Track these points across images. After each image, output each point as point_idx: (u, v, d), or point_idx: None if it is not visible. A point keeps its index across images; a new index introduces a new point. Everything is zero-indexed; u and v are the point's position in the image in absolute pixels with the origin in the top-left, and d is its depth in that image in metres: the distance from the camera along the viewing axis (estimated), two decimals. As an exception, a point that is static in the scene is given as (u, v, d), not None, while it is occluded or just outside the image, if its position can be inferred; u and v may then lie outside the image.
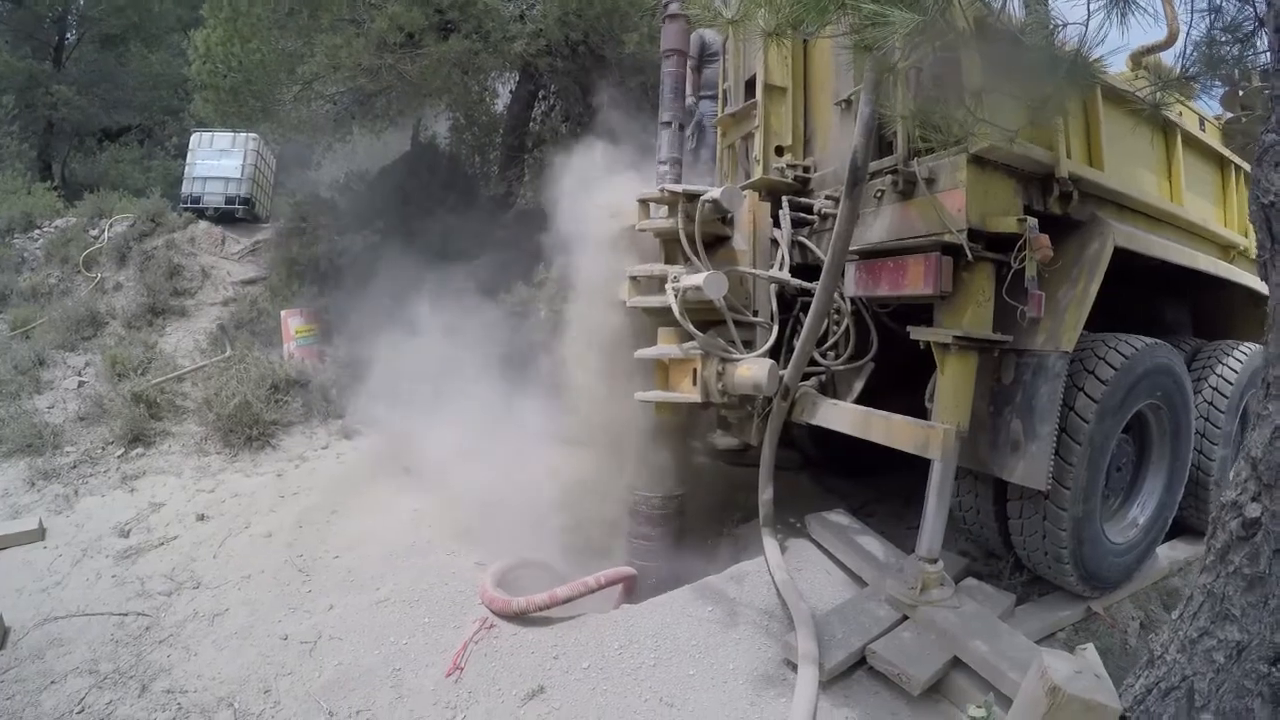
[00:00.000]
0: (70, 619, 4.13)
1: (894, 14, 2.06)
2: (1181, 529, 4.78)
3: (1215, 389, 4.65)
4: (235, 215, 11.14)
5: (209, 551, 4.87)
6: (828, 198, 4.23)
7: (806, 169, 4.50)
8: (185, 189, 11.11)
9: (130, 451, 6.39)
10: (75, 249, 10.02)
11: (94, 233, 10.47)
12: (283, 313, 8.43)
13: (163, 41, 17.86)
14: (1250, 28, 2.51)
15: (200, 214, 11.02)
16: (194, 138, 11.44)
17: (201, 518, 5.31)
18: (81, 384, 7.53)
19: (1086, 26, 2.19)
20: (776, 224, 4.31)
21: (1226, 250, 5.01)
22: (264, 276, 9.94)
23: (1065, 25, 2.27)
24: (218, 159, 11.03)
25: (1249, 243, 5.08)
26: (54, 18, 17.48)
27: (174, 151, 17.28)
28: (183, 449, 6.48)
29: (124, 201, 11.39)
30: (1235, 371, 4.70)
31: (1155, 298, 5.16)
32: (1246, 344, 4.93)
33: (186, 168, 11.24)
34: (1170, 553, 4.63)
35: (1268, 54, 2.54)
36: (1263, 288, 4.79)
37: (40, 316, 8.60)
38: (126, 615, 4.19)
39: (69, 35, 18.21)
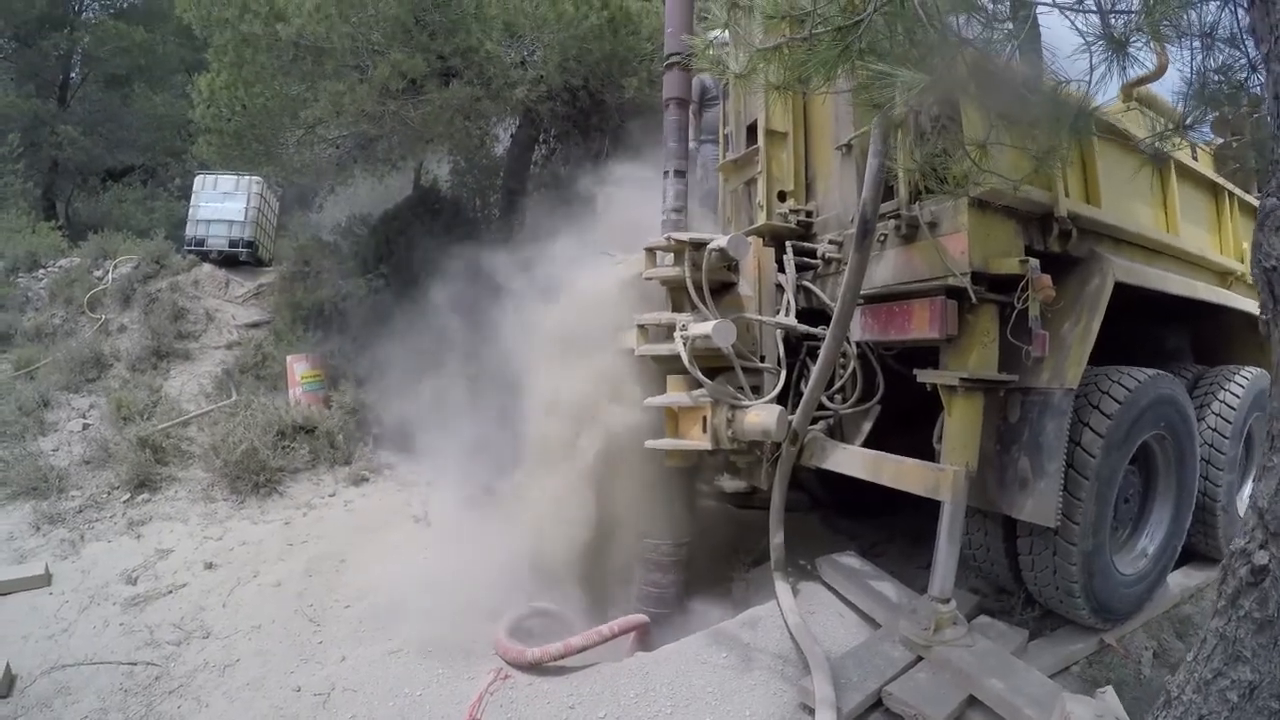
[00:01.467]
0: (78, 667, 4.12)
1: (902, 73, 2.12)
2: (1191, 555, 4.78)
3: (1219, 415, 4.68)
4: (239, 258, 11.21)
5: (218, 600, 4.86)
6: (831, 242, 4.29)
7: (809, 214, 4.57)
8: (189, 231, 11.18)
9: (136, 497, 6.39)
10: (79, 289, 10.06)
11: (98, 273, 10.51)
12: (288, 358, 8.45)
13: (167, 82, 18.07)
14: (1243, 73, 2.58)
15: (204, 256, 11.07)
16: (197, 180, 11.53)
17: (210, 566, 5.30)
18: (86, 426, 7.53)
19: (1090, 81, 2.25)
20: (781, 269, 4.36)
21: (1224, 277, 5.06)
22: (268, 320, 9.98)
23: (1069, 82, 2.33)
24: (221, 201, 11.11)
25: (1245, 268, 5.13)
26: (59, 57, 17.69)
27: (177, 193, 17.38)
28: (189, 495, 6.48)
29: (128, 243, 11.44)
30: (1237, 397, 4.73)
31: (1155, 326, 5.20)
32: (1248, 369, 4.96)
33: (190, 210, 11.31)
34: (1181, 580, 4.63)
35: (1260, 87, 2.62)
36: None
37: (44, 357, 8.60)
38: (135, 664, 4.17)
39: (74, 75, 18.42)
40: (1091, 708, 2.97)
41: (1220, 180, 5.10)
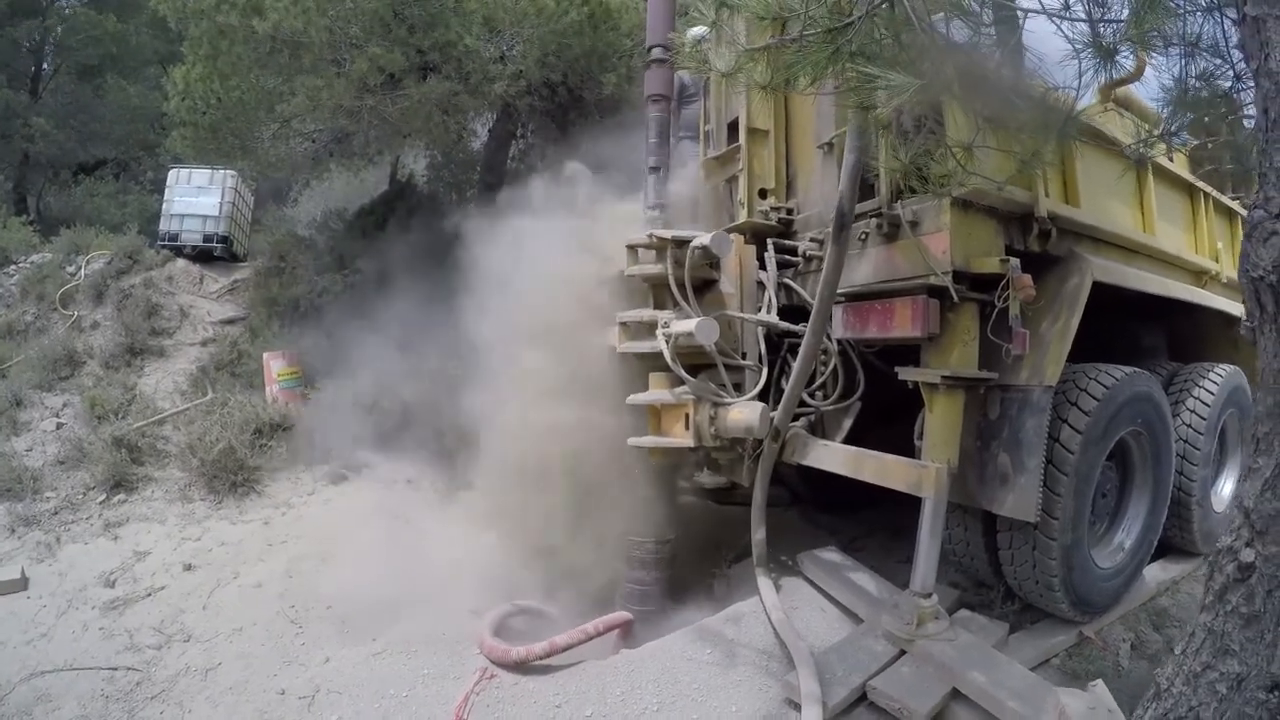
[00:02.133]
0: (58, 673, 4.04)
1: (892, 77, 2.13)
2: (1167, 549, 4.86)
3: (1193, 411, 4.77)
4: (213, 253, 11.05)
5: (198, 602, 4.79)
6: (812, 240, 4.31)
7: (790, 211, 4.59)
8: (163, 226, 10.99)
9: (112, 497, 6.28)
10: (51, 286, 9.83)
11: (70, 269, 10.30)
12: (265, 355, 8.31)
13: (140, 74, 17.75)
14: (1226, 81, 2.63)
15: (178, 252, 10.88)
16: (171, 174, 11.33)
17: (189, 567, 5.21)
18: (60, 426, 7.39)
19: (1079, 91, 2.28)
20: (762, 266, 4.38)
21: (1199, 276, 5.14)
22: (243, 316, 9.83)
23: (1057, 89, 2.37)
24: (195, 196, 10.93)
25: (1220, 267, 5.23)
26: (31, 47, 17.34)
27: (150, 186, 17.13)
28: (166, 495, 6.36)
29: (101, 238, 11.22)
30: (1211, 393, 4.82)
31: (1131, 323, 5.28)
32: (1221, 366, 5.06)
33: (164, 205, 11.11)
34: (1158, 573, 4.72)
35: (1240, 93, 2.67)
36: (1234, 309, 4.95)
37: (16, 355, 8.43)
38: (116, 670, 4.10)
39: (45, 65, 18.06)
40: (1084, 700, 3.04)
41: (1196, 181, 5.19)
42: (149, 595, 4.89)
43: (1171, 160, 4.98)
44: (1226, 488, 5.28)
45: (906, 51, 2.16)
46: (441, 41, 7.10)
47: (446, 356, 6.31)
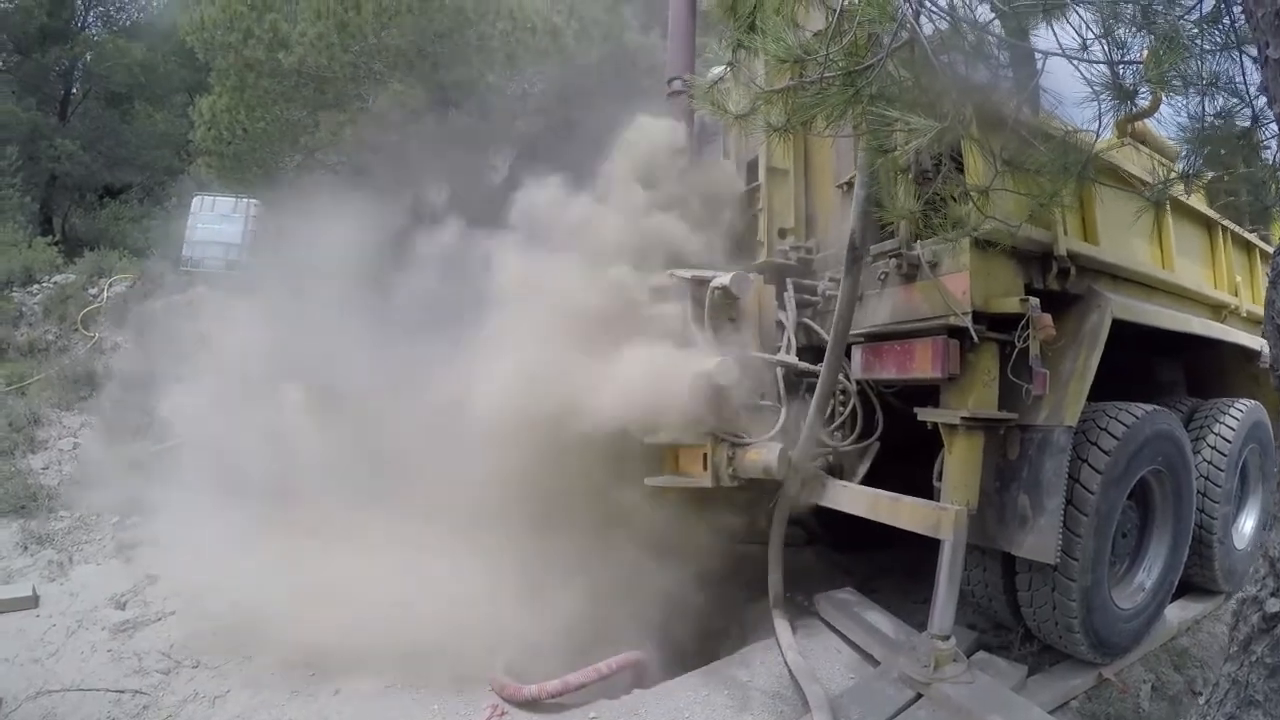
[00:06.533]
0: (65, 693, 4.03)
1: (915, 121, 2.14)
2: (1187, 587, 4.78)
3: (1214, 448, 4.70)
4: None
5: (208, 628, 4.76)
6: (831, 279, 4.31)
7: (809, 250, 4.60)
8: (185, 252, 11.09)
9: (126, 520, 6.29)
10: (74, 306, 9.94)
11: (93, 291, 10.42)
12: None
13: (167, 101, 18.12)
14: (1245, 122, 2.63)
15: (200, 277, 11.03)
16: (195, 201, 11.46)
17: (200, 592, 5.20)
18: (77, 445, 7.45)
19: (1098, 130, 2.29)
20: (781, 306, 4.38)
21: (1218, 310, 5.10)
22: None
23: (1078, 131, 2.38)
24: (219, 223, 11.05)
25: (1239, 301, 5.18)
26: (60, 72, 17.75)
27: (175, 212, 17.40)
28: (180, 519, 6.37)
29: (124, 261, 11.37)
30: (1232, 429, 4.75)
31: (1148, 358, 5.23)
32: (1242, 401, 4.99)
33: (187, 231, 11.22)
34: (1179, 613, 4.64)
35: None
36: (1254, 343, 4.89)
37: (37, 373, 8.51)
38: (123, 693, 4.09)
39: (74, 90, 18.48)
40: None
41: (1214, 215, 5.16)
42: (159, 619, 4.87)
43: (1189, 194, 4.96)
44: (1248, 524, 5.19)
45: (925, 94, 2.17)
46: (464, 78, 7.22)
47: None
